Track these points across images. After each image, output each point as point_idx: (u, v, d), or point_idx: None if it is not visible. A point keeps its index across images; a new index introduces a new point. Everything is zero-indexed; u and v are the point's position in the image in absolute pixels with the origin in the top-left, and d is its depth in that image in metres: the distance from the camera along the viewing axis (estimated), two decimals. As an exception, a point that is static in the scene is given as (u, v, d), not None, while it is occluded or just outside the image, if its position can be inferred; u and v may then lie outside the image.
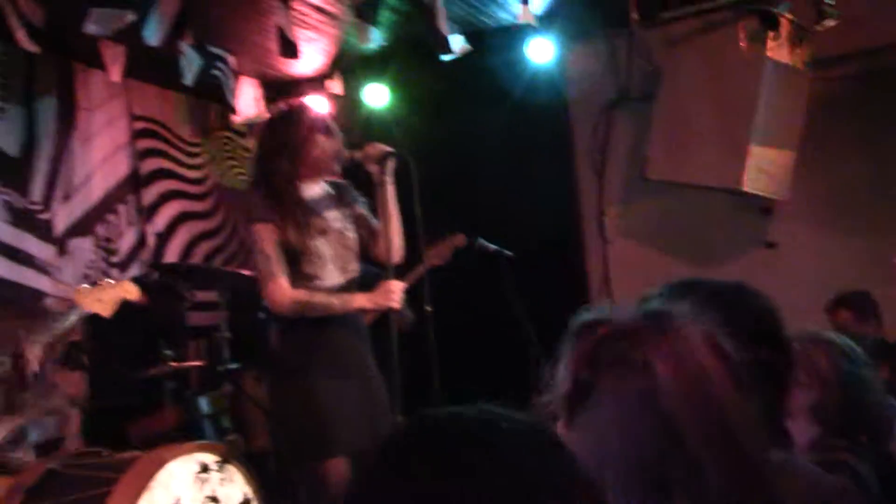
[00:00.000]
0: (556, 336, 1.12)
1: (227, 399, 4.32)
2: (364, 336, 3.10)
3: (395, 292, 2.96)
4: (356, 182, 3.22)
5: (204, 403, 4.12)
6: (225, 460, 3.31)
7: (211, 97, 6.00)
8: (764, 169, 4.56)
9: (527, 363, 4.46)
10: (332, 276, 3.01)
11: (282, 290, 2.88)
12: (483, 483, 0.75)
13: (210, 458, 3.27)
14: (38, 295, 5.04)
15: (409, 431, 0.83)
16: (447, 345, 4.23)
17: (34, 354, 4.23)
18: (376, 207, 3.06)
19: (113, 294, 2.96)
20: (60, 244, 5.25)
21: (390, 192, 3.04)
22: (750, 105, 4.42)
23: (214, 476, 3.26)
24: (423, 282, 3.58)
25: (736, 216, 5.20)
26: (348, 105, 6.05)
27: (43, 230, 5.16)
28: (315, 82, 6.14)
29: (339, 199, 3.14)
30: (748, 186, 4.52)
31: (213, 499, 3.24)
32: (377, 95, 5.92)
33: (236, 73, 5.47)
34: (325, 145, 3.05)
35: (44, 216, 5.19)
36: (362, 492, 0.81)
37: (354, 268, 3.07)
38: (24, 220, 5.05)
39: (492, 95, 5.53)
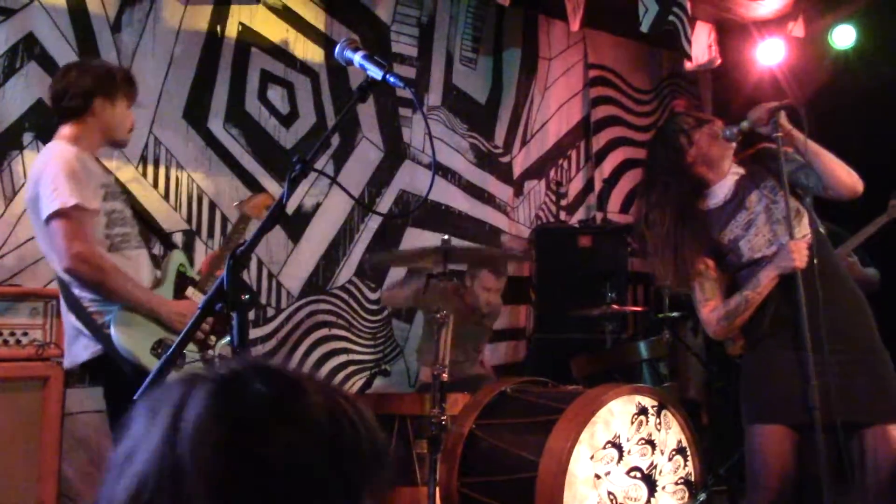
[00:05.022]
0: None
1: (665, 346, 4.34)
2: (859, 308, 2.87)
3: (795, 251, 2.75)
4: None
5: (643, 348, 4.19)
6: (662, 405, 3.35)
7: (664, 44, 5.97)
8: None
9: None
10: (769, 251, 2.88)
11: (706, 317, 2.92)
12: None
13: (648, 402, 3.32)
14: (496, 232, 5.50)
15: None
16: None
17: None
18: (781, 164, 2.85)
19: (261, 200, 3.53)
20: (517, 186, 5.66)
21: (797, 137, 2.84)
22: None
23: (651, 420, 3.31)
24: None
25: None
26: (810, 48, 5.62)
27: (503, 172, 5.59)
28: (775, 25, 5.79)
29: (753, 175, 2.97)
30: None
31: (649, 441, 3.29)
32: (843, 36, 5.42)
33: (692, 19, 5.36)
34: (704, 142, 2.94)
35: (504, 159, 5.61)
36: None
37: (797, 232, 2.86)
38: (488, 162, 5.51)
39: None
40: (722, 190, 3.00)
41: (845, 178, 2.86)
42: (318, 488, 0.80)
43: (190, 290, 3.14)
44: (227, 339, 3.09)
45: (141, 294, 2.88)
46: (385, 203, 5.00)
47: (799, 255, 2.76)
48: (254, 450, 0.79)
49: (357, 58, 1.90)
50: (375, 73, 1.84)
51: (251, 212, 3.48)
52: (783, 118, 2.85)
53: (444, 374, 3.26)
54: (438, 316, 3.29)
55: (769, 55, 5.74)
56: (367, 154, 4.97)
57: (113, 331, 2.80)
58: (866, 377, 2.76)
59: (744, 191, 2.96)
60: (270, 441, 0.79)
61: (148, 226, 3.31)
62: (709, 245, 2.93)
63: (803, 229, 2.89)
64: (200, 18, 4.43)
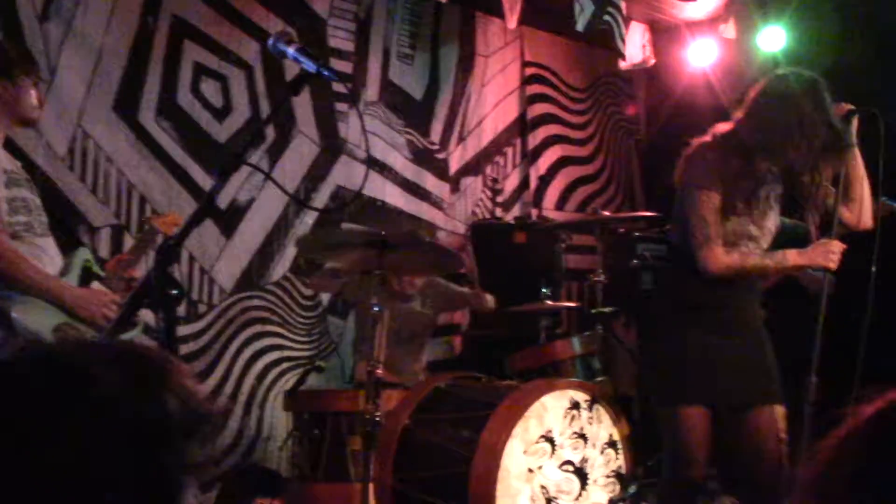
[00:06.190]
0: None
1: (598, 341, 4.40)
2: (754, 292, 2.98)
3: (835, 252, 2.78)
4: None
5: (576, 343, 4.24)
6: (594, 400, 3.41)
7: (599, 43, 6.05)
8: None
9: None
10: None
11: (717, 257, 2.81)
12: None
13: (581, 397, 3.37)
14: (432, 228, 5.50)
15: None
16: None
17: None
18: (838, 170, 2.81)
19: (171, 219, 3.52)
20: (453, 182, 5.67)
21: (855, 152, 2.83)
22: None
23: (584, 414, 3.36)
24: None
25: None
26: (741, 50, 5.75)
27: (439, 168, 5.60)
28: (706, 26, 5.91)
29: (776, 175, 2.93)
30: None
31: (581, 435, 3.35)
32: (774, 39, 5.54)
33: (627, 18, 5.44)
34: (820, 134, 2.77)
35: (441, 156, 5.62)
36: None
37: (766, 245, 2.93)
38: (424, 158, 5.52)
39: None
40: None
41: (870, 209, 2.89)
42: (118, 481, 0.74)
43: (95, 285, 3.15)
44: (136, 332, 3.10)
45: (43, 280, 2.88)
46: (321, 198, 4.97)
47: (836, 259, 2.78)
48: (28, 457, 0.71)
49: (291, 51, 1.89)
50: (309, 66, 1.83)
51: (161, 227, 3.47)
52: (855, 123, 2.80)
53: (379, 370, 3.26)
54: (373, 311, 3.29)
55: (701, 56, 5.86)
56: (303, 149, 4.92)
57: (14, 312, 2.78)
58: (755, 361, 2.91)
59: (768, 181, 2.89)
60: (49, 444, 0.72)
61: (58, 221, 3.26)
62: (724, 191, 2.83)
63: (770, 224, 2.93)
64: (131, 9, 4.32)
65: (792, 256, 2.83)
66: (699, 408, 2.90)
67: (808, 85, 2.78)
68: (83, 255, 3.20)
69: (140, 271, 3.34)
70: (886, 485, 0.72)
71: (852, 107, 2.80)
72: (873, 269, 2.84)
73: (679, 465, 2.98)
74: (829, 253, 2.77)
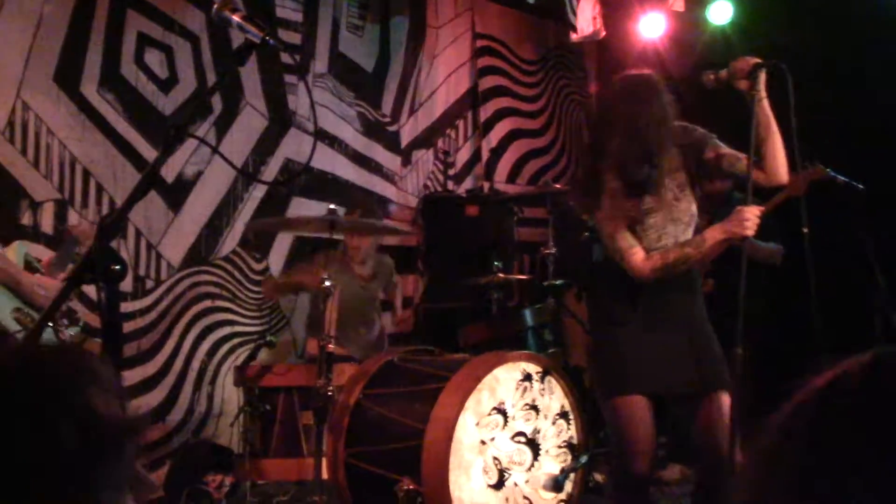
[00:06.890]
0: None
1: (550, 313, 4.43)
2: (693, 287, 2.96)
3: (749, 218, 2.70)
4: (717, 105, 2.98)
5: (528, 315, 4.27)
6: (546, 372, 3.42)
7: (550, 15, 6.04)
8: None
9: (870, 311, 4.08)
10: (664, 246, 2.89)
11: (639, 266, 2.78)
12: None
13: (533, 369, 3.39)
14: (384, 201, 5.47)
15: (868, 369, 0.76)
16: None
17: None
18: (751, 126, 2.73)
19: (88, 228, 3.59)
20: (405, 155, 5.64)
21: (765, 106, 2.76)
22: None
23: (536, 386, 3.38)
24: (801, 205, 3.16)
25: None
26: (690, 22, 5.78)
27: (391, 141, 5.56)
28: (656, 0, 5.92)
29: (681, 159, 2.87)
30: None
31: (533, 407, 3.36)
32: (721, 12, 5.58)
33: (578, -9, 5.44)
34: (668, 112, 2.78)
35: (392, 128, 5.58)
36: (805, 423, 0.76)
37: (690, 233, 2.90)
38: (376, 131, 5.47)
39: (860, 3, 4.95)
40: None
41: (783, 163, 2.80)
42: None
43: (37, 276, 3.19)
44: (77, 329, 3.16)
45: (1, 262, 2.93)
46: (270, 172, 4.90)
47: (751, 224, 2.70)
48: None
49: (235, 19, 1.84)
50: (254, 35, 1.79)
51: (82, 237, 3.43)
52: (763, 77, 2.73)
53: (331, 345, 3.24)
54: (323, 286, 3.26)
55: (650, 28, 5.88)
56: (251, 121, 4.85)
57: None
58: (693, 351, 2.85)
59: (667, 170, 2.84)
60: None
61: None
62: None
63: (683, 212, 2.89)
64: (71, -24, 4.20)
65: (710, 234, 2.78)
66: (638, 397, 2.85)
67: (631, 84, 2.82)
68: (22, 248, 3.23)
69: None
70: (836, 455, 0.72)
71: (758, 60, 2.75)
72: (804, 230, 2.84)
73: (625, 460, 2.91)
74: (744, 221, 2.71)
